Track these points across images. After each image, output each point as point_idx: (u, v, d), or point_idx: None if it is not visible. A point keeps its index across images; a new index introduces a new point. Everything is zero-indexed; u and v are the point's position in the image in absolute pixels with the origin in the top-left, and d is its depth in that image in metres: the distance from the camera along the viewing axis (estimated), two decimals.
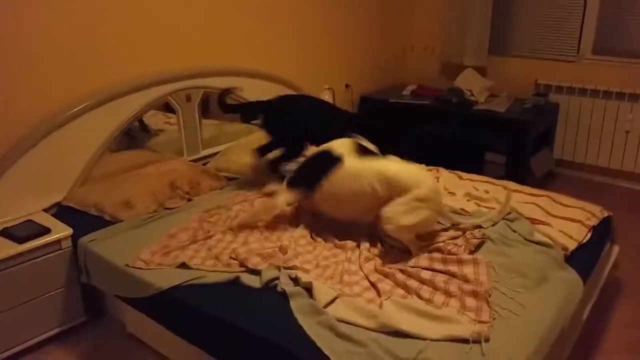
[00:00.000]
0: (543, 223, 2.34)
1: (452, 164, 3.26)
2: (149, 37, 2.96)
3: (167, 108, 3.09)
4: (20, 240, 2.26)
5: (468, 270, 2.00)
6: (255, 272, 2.04)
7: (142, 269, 2.13)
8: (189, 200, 2.73)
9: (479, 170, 4.13)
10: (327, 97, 3.94)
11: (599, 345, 2.37)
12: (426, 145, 4.27)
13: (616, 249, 2.70)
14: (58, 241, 2.36)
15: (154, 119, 3.10)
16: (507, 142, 3.94)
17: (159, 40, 3.01)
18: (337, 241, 2.27)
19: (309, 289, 1.89)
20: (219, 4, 3.28)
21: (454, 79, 4.50)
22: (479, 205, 2.58)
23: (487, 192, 2.70)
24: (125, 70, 2.88)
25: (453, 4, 4.54)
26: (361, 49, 4.49)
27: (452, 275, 1.99)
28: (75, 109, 2.65)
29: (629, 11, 3.92)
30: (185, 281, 2.02)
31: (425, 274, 1.99)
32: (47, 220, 2.46)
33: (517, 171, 3.89)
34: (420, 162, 3.22)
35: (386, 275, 2.01)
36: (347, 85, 4.39)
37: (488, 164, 4.18)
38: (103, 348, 2.42)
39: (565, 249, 2.15)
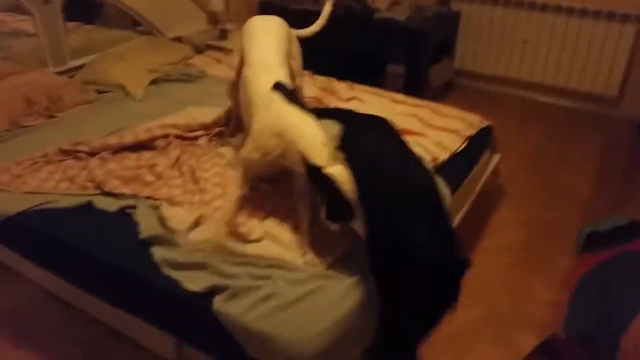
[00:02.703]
0: (419, 134, 2.31)
1: (353, 76, 3.14)
2: None
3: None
4: None
5: None
6: (112, 195, 1.89)
7: None
8: (51, 117, 2.47)
9: (380, 83, 4.07)
10: (217, 0, 3.63)
11: (467, 249, 2.46)
12: (327, 55, 4.11)
13: (496, 157, 2.76)
14: None
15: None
16: (406, 51, 3.86)
17: None
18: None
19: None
20: None
21: None
22: None
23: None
24: None
25: None
26: None
27: None
28: None
29: None
30: (34, 206, 1.85)
31: None
32: None
33: (415, 82, 3.84)
34: (320, 73, 3.07)
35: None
36: None
37: (389, 76, 4.10)
38: None
39: (435, 159, 2.14)
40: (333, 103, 2.68)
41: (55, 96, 2.50)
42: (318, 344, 1.38)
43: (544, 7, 3.89)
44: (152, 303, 1.62)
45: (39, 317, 2.05)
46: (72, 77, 2.82)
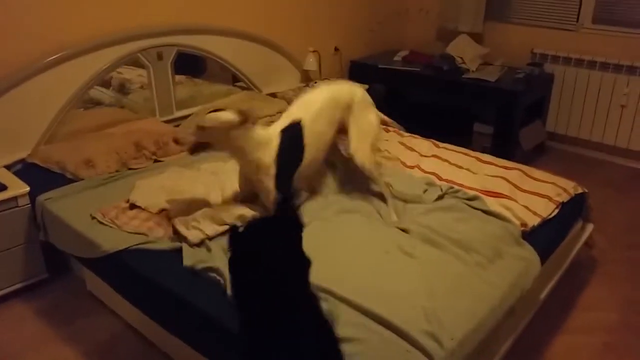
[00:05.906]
0: (508, 198, 2.27)
1: (439, 134, 3.16)
2: None
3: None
4: None
5: None
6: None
7: (103, 223, 2.12)
8: (156, 161, 2.69)
9: (467, 141, 4.05)
10: (311, 60, 3.83)
11: (556, 325, 2.31)
12: (415, 113, 4.16)
13: (590, 227, 2.62)
14: (14, 198, 2.33)
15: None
16: (495, 112, 3.83)
17: None
18: None
19: None
20: None
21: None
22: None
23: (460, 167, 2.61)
24: (94, 25, 2.78)
25: None
26: (353, 10, 4.33)
27: None
28: (42, 62, 2.59)
29: None
30: (132, 245, 1.99)
31: None
32: (6, 177, 2.44)
33: (504, 143, 3.78)
34: (407, 130, 3.11)
35: None
36: (336, 49, 4.25)
37: (476, 135, 4.07)
38: (62, 305, 2.43)
39: (524, 224, 2.07)
40: (410, 160, 2.70)
41: (162, 142, 2.72)
42: None
43: None
44: (236, 353, 1.65)
45: (120, 353, 2.15)
46: (177, 125, 3.06)
